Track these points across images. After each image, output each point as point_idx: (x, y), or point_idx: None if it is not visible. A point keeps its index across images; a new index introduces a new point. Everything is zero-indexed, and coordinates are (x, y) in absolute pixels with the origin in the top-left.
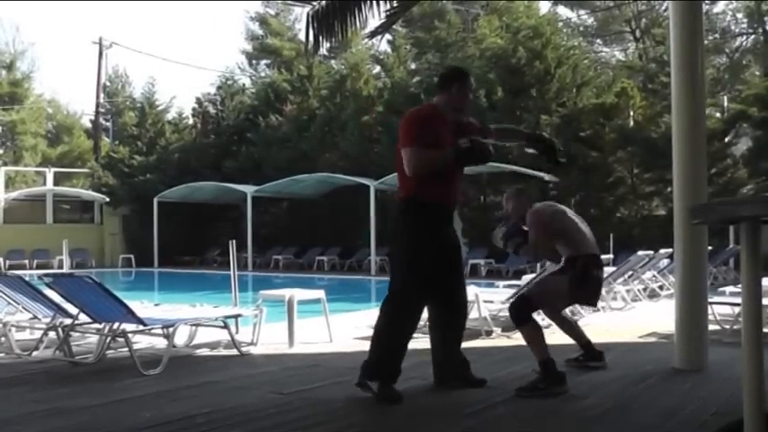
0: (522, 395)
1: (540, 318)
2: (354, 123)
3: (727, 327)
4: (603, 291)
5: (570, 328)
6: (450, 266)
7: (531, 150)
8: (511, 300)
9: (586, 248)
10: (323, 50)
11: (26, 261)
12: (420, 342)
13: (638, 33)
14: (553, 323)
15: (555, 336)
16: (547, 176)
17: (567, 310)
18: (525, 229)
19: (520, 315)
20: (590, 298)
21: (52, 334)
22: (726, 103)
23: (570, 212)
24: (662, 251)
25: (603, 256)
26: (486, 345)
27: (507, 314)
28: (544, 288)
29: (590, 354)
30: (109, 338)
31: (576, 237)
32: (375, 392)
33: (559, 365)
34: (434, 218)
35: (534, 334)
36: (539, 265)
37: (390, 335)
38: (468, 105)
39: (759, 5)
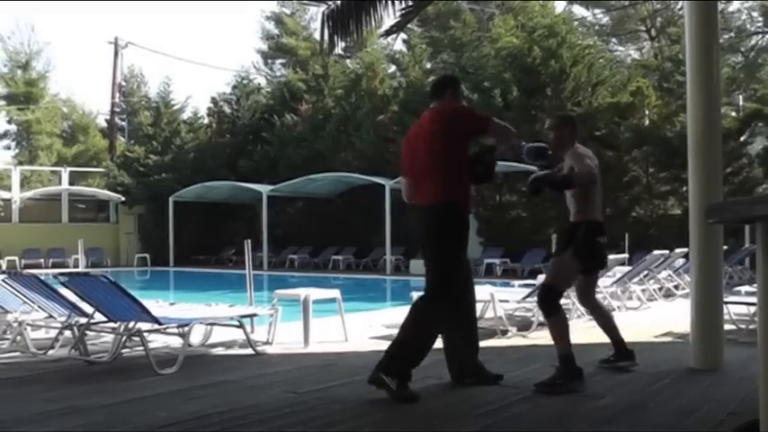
0: (542, 390)
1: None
2: (370, 123)
3: (743, 326)
4: (619, 290)
5: (606, 321)
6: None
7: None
8: (537, 293)
9: (596, 215)
10: (338, 50)
11: (42, 260)
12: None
13: (653, 32)
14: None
15: (577, 334)
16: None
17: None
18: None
19: (548, 305)
20: (599, 265)
21: (67, 333)
22: (741, 102)
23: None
24: (677, 250)
25: (619, 256)
26: (502, 344)
27: (522, 314)
28: (557, 268)
29: (621, 353)
30: (124, 337)
31: (596, 200)
32: (393, 390)
33: (584, 365)
34: (466, 224)
35: (560, 326)
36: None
37: (421, 335)
38: None
39: None
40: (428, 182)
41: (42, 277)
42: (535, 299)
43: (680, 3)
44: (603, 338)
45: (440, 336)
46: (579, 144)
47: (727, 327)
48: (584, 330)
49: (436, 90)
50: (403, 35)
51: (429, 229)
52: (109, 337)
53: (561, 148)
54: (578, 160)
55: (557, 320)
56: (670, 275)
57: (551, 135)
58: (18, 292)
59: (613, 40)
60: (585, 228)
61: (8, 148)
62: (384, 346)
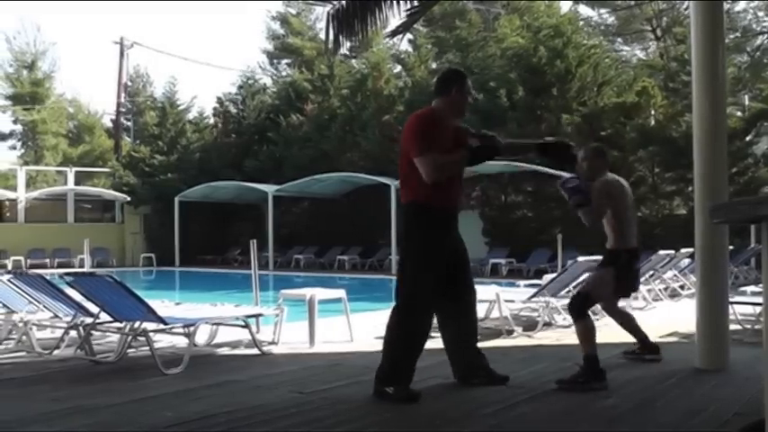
0: (563, 387)
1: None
2: (375, 123)
3: (749, 326)
4: None
5: (628, 321)
6: (456, 267)
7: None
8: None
9: (632, 242)
10: (344, 50)
11: (47, 260)
12: (439, 342)
13: (658, 32)
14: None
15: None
16: (567, 175)
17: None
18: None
19: (579, 311)
20: (632, 288)
21: (73, 333)
22: (747, 102)
23: (631, 199)
24: (683, 251)
25: None
26: (507, 344)
27: (528, 314)
28: (597, 281)
29: (646, 346)
30: (130, 337)
31: (630, 229)
32: (393, 395)
33: (611, 359)
34: (440, 221)
35: (587, 329)
36: (559, 265)
37: (404, 340)
38: (467, 107)
39: None
40: (402, 183)
41: (48, 277)
42: (541, 299)
43: (686, 3)
44: (612, 338)
45: (441, 337)
46: (610, 173)
47: (732, 327)
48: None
49: (441, 85)
50: (408, 35)
51: (403, 228)
52: (114, 337)
53: (593, 178)
54: (595, 197)
55: (585, 324)
56: (675, 275)
57: (584, 164)
58: (24, 291)
59: (619, 39)
60: (627, 256)
61: (14, 148)
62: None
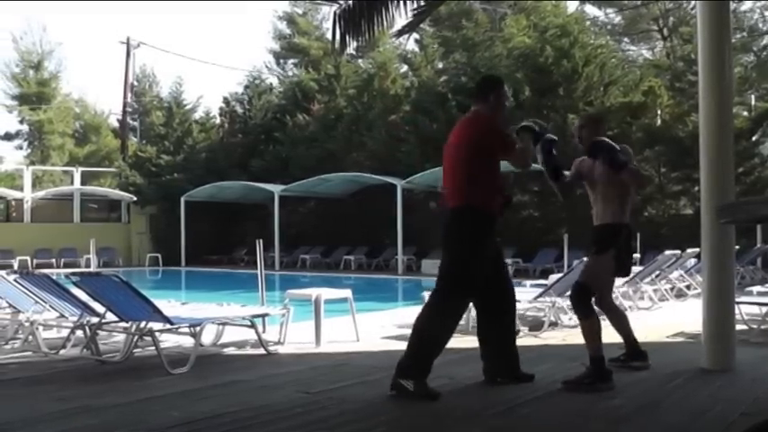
0: (569, 388)
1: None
2: (382, 122)
3: (755, 327)
4: (630, 290)
5: (620, 321)
6: (497, 268)
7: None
8: (570, 292)
9: (627, 218)
10: (350, 49)
11: (53, 260)
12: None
13: (665, 32)
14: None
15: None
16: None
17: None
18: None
19: (583, 307)
20: (629, 268)
21: (79, 332)
22: (753, 102)
23: None
24: (689, 250)
25: None
26: None
27: (534, 314)
28: (594, 268)
29: (634, 352)
30: (136, 337)
31: (630, 200)
32: (411, 390)
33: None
34: (489, 226)
35: (593, 329)
36: (566, 265)
37: (435, 332)
38: (505, 112)
39: None
40: (453, 184)
41: (54, 277)
42: (547, 299)
43: (692, 2)
44: (618, 338)
45: (480, 336)
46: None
47: (738, 327)
48: None
49: (481, 91)
50: (415, 35)
51: (446, 230)
52: (120, 337)
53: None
54: (631, 157)
55: (591, 323)
56: (682, 275)
57: (583, 132)
58: (30, 291)
59: (625, 39)
60: (627, 231)
61: (20, 147)
62: (396, 345)
